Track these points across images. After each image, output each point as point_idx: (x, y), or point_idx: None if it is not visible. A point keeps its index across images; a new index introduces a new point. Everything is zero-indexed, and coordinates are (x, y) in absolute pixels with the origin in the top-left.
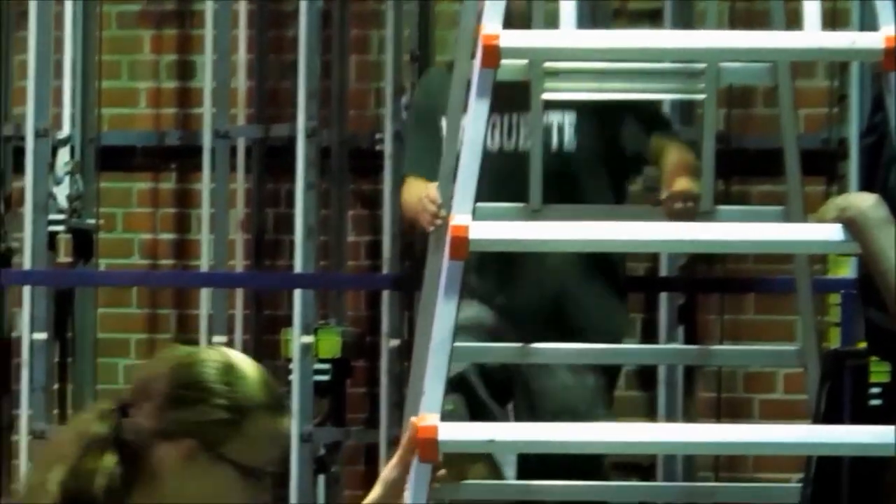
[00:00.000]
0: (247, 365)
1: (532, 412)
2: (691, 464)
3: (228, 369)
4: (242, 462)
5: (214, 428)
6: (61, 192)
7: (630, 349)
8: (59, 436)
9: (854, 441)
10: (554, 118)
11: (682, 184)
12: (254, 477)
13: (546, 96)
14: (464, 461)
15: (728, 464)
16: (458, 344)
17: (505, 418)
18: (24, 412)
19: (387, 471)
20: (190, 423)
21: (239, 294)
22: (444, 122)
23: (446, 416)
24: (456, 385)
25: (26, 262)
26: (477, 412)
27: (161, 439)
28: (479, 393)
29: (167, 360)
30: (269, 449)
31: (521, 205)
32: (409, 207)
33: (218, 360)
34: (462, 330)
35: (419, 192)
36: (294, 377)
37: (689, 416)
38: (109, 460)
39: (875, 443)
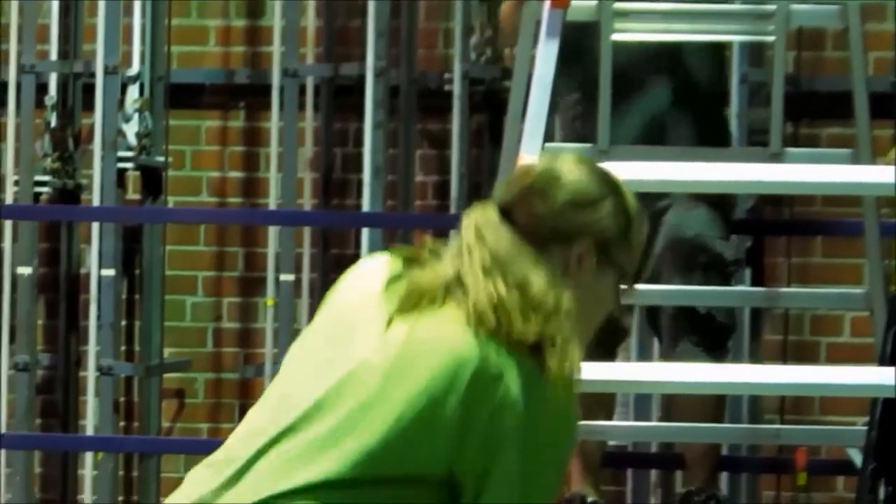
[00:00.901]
0: (616, 175)
1: None
2: (757, 406)
3: (609, 178)
4: (624, 267)
5: (608, 231)
6: (130, 130)
7: (696, 290)
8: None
9: None
10: None
11: None
12: (626, 284)
13: (615, 37)
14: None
15: (793, 406)
16: None
17: None
18: (91, 348)
19: None
20: (587, 225)
21: (306, 232)
22: None
23: None
24: None
25: (95, 199)
26: None
27: (557, 238)
28: None
29: (546, 171)
30: (637, 258)
31: (588, 145)
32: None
33: (596, 172)
34: None
35: None
36: None
37: (756, 359)
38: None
39: None
